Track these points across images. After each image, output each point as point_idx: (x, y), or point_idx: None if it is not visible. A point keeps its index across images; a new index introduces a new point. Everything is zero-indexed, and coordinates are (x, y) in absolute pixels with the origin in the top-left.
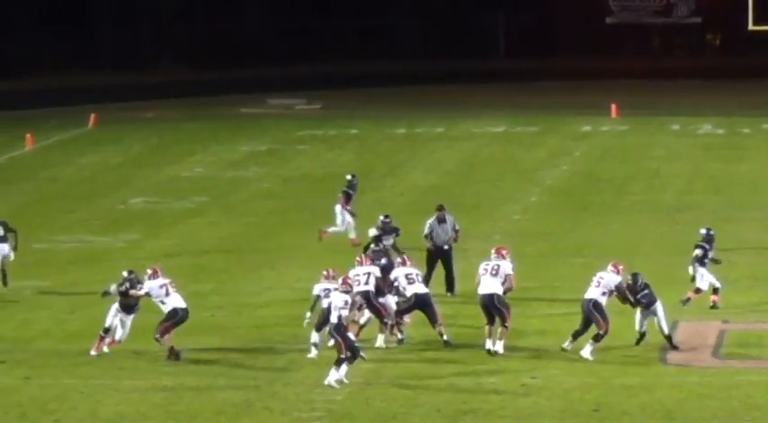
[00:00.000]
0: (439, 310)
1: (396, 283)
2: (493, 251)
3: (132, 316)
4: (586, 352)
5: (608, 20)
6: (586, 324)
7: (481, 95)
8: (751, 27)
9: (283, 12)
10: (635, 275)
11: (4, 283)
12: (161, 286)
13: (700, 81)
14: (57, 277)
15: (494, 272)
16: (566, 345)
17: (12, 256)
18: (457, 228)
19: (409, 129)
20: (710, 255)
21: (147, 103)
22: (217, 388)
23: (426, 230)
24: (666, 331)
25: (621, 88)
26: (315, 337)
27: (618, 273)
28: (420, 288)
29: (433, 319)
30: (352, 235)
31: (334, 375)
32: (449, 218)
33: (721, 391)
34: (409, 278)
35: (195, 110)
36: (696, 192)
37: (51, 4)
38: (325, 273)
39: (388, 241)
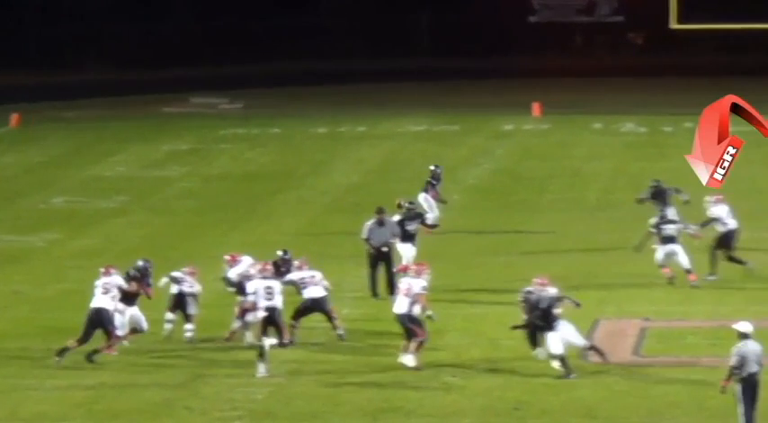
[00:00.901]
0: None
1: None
2: (411, 268)
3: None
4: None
5: (531, 19)
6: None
7: (403, 94)
8: (673, 26)
9: (206, 11)
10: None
11: None
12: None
13: (622, 79)
14: None
15: (405, 292)
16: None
17: None
18: (395, 232)
19: (331, 128)
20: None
21: (69, 102)
22: (138, 387)
23: (365, 234)
24: (582, 344)
25: (544, 87)
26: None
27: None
28: (316, 292)
29: (330, 318)
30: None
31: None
32: (388, 220)
33: (642, 388)
34: (303, 282)
35: (118, 109)
36: (618, 190)
37: None
38: (260, 266)
39: (412, 227)
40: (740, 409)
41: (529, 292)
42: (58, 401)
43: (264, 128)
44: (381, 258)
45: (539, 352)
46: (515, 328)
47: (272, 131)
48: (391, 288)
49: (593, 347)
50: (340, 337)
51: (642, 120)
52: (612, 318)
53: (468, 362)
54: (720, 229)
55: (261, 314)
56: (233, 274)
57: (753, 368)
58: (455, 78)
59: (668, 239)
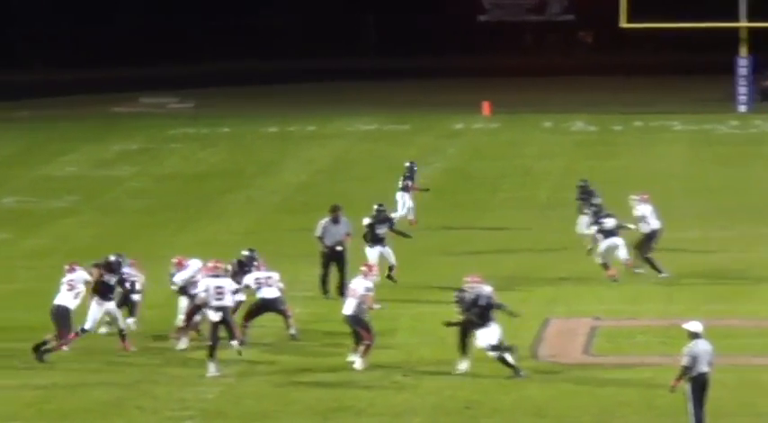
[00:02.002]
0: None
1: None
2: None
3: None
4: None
5: (481, 18)
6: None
7: (353, 94)
8: (623, 25)
9: (156, 10)
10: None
11: None
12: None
13: (572, 78)
14: None
15: (352, 293)
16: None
17: None
18: (349, 231)
19: (281, 127)
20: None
21: (19, 102)
22: (89, 386)
23: (319, 232)
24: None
25: (494, 86)
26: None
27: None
28: (270, 293)
29: (285, 316)
30: (411, 216)
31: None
32: (343, 219)
33: (592, 387)
34: (258, 282)
35: (68, 109)
36: (569, 189)
37: None
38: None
39: (381, 230)
40: (690, 409)
41: (462, 291)
42: (8, 401)
43: (214, 127)
44: (334, 258)
45: (460, 366)
46: (449, 324)
47: (222, 131)
48: (342, 289)
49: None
50: (293, 337)
51: (592, 118)
52: (563, 317)
53: (418, 361)
54: (644, 228)
55: (213, 315)
56: (179, 278)
57: (703, 368)
58: (405, 78)
59: (609, 233)
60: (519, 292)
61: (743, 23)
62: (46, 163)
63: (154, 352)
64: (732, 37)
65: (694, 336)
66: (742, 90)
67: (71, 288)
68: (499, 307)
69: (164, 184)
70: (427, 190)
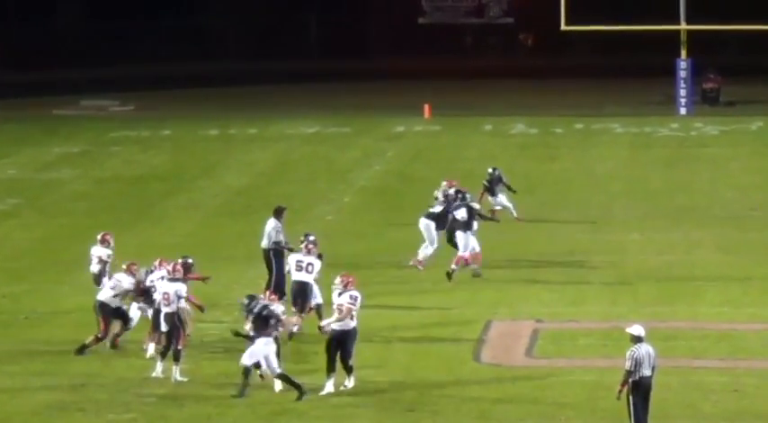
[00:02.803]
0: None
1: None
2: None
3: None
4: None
5: (420, 20)
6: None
7: (294, 96)
8: (563, 27)
9: (95, 12)
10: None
11: None
12: None
13: (512, 81)
14: None
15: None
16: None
17: None
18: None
19: (222, 130)
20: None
21: None
22: (31, 389)
23: (280, 236)
24: (273, 371)
25: (434, 89)
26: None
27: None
28: (301, 276)
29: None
30: (516, 213)
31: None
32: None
33: (535, 390)
34: (299, 265)
35: (7, 111)
36: None
37: None
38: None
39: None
40: (632, 412)
41: (252, 297)
42: None
43: (155, 130)
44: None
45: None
46: (237, 334)
47: (162, 133)
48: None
49: (283, 377)
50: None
51: (533, 121)
52: (505, 319)
53: (360, 363)
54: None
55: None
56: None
57: (646, 372)
58: (345, 80)
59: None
60: (462, 294)
61: (683, 26)
62: None
63: (95, 355)
64: (673, 39)
65: (637, 339)
66: (682, 92)
67: (114, 286)
68: (278, 320)
69: (105, 187)
70: (515, 191)
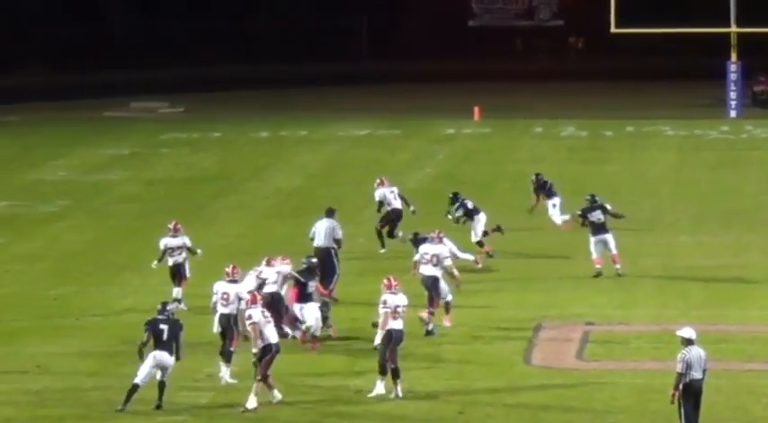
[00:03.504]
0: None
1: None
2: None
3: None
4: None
5: (471, 23)
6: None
7: (345, 98)
8: (613, 30)
9: (146, 15)
10: None
11: None
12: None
13: (562, 84)
14: None
15: (403, 313)
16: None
17: None
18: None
19: (273, 132)
20: None
21: (10, 106)
22: (82, 390)
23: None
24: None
25: (484, 91)
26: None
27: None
28: (427, 270)
29: (429, 302)
30: (558, 220)
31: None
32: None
33: (585, 393)
34: (424, 258)
35: (58, 113)
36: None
37: None
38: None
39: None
40: (683, 415)
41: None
42: (2, 405)
43: (205, 132)
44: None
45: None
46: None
47: (213, 136)
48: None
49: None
50: (428, 333)
51: (583, 124)
52: (555, 321)
53: (411, 366)
54: (387, 208)
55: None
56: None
57: (696, 375)
58: (396, 82)
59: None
60: (511, 296)
61: (733, 29)
62: (37, 167)
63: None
64: (723, 42)
65: (687, 342)
66: (732, 95)
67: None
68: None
69: (155, 189)
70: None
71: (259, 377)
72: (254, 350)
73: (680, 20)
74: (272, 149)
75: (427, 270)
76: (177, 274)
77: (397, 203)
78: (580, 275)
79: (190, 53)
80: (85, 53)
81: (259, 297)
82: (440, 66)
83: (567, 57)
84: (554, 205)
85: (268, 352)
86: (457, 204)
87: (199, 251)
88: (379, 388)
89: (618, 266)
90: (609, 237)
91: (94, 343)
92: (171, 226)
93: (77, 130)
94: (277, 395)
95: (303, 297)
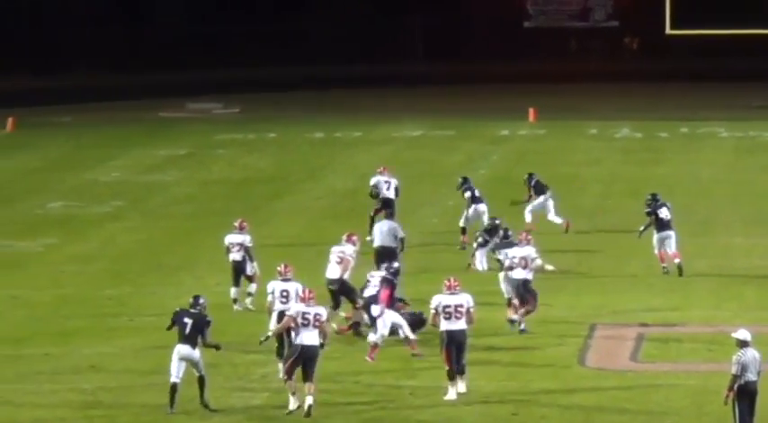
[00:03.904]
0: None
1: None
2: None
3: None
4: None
5: (526, 24)
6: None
7: (399, 99)
8: (668, 31)
9: (200, 15)
10: None
11: None
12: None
13: (617, 85)
14: None
15: (459, 314)
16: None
17: None
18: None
19: (327, 133)
20: (490, 245)
21: (65, 106)
22: (137, 389)
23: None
24: None
25: (539, 92)
26: None
27: None
28: (518, 273)
29: (520, 303)
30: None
31: None
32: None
33: (640, 395)
34: (513, 261)
35: (113, 114)
36: (614, 195)
37: None
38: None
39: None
40: (738, 417)
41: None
42: (56, 406)
43: (261, 133)
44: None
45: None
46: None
47: (268, 136)
48: None
49: None
50: (522, 331)
51: (638, 125)
52: (610, 323)
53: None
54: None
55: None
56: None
57: (751, 376)
58: (450, 83)
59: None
60: (565, 298)
61: None
62: (92, 168)
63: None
64: None
65: (743, 344)
66: None
67: (340, 261)
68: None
69: (210, 190)
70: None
71: (285, 377)
72: (269, 334)
73: (735, 21)
74: (326, 150)
75: (517, 273)
76: (236, 272)
77: (389, 193)
78: (635, 276)
79: (245, 54)
80: (141, 54)
81: (310, 295)
82: (494, 67)
83: (622, 58)
84: (541, 205)
85: (294, 352)
86: (465, 186)
87: (255, 265)
88: (451, 394)
89: (678, 261)
90: (672, 234)
91: (148, 343)
92: (236, 223)
93: (132, 130)
94: (292, 404)
95: (392, 301)
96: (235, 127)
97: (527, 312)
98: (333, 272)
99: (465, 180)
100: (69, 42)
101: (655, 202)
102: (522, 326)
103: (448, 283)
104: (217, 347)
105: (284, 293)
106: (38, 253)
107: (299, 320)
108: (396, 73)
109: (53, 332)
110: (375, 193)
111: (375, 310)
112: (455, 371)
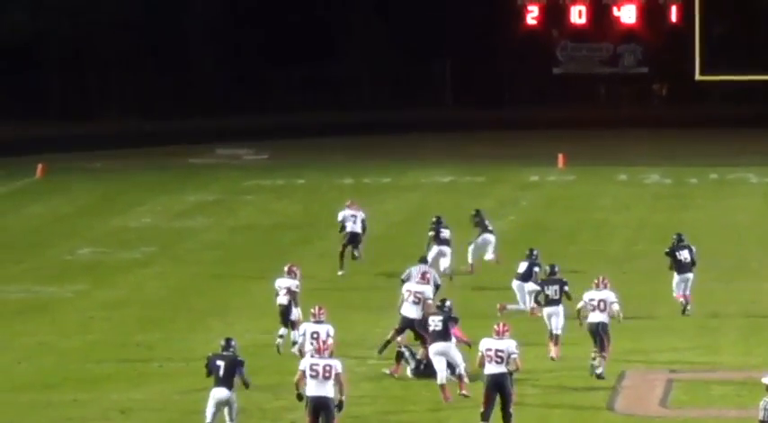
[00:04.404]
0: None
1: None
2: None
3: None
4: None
5: (555, 70)
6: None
7: (428, 145)
8: (698, 77)
9: (230, 61)
10: None
11: None
12: None
13: (647, 131)
14: (4, 327)
15: (498, 359)
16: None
17: None
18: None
19: (356, 179)
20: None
21: (94, 153)
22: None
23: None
24: None
25: (568, 138)
26: None
27: None
28: (595, 317)
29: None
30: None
31: None
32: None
33: None
34: (590, 304)
35: (143, 160)
36: (643, 241)
37: None
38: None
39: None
40: None
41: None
42: None
43: (289, 179)
44: None
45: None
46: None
47: (297, 182)
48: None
49: None
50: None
51: (667, 171)
52: (639, 368)
53: (496, 411)
54: (348, 229)
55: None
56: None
57: None
58: (479, 129)
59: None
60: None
61: None
62: (121, 214)
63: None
64: None
65: None
66: None
67: (418, 301)
68: None
69: (239, 236)
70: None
71: None
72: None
73: (764, 67)
74: (355, 196)
75: (595, 317)
76: (282, 316)
77: (356, 227)
78: (664, 321)
79: (274, 100)
80: (170, 99)
81: (325, 347)
82: (524, 112)
83: (651, 104)
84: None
85: (306, 405)
86: (432, 227)
87: (299, 311)
88: None
89: (684, 302)
90: (691, 276)
91: (177, 389)
92: (286, 268)
93: (162, 176)
94: None
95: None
96: (264, 173)
97: (603, 358)
98: (410, 311)
99: (477, 212)
100: (99, 88)
101: (678, 244)
102: (600, 370)
103: (497, 328)
104: (246, 385)
105: (314, 335)
106: (67, 299)
107: (308, 372)
108: (425, 118)
109: (82, 378)
110: (342, 227)
111: (436, 347)
112: (487, 415)
